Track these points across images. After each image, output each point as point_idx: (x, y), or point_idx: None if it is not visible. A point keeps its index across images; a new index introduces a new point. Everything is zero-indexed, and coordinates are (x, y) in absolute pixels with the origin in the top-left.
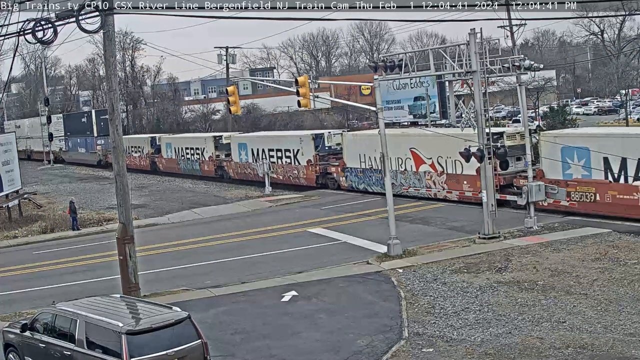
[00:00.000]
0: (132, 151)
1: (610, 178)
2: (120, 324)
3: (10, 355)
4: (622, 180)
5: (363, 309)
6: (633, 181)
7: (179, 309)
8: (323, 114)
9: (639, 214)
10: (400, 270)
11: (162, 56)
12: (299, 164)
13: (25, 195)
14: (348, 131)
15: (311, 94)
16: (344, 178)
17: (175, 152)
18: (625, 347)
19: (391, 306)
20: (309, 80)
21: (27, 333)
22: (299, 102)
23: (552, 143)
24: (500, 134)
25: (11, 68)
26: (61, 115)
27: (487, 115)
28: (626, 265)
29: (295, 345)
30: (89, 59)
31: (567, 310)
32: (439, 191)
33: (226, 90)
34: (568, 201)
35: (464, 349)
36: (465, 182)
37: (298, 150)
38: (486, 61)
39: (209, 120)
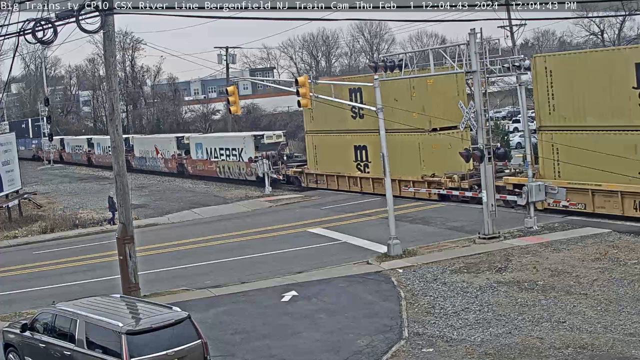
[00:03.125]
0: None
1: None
2: (120, 324)
3: (10, 355)
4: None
5: (363, 309)
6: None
7: (179, 309)
8: None
9: None
10: (400, 270)
11: (162, 56)
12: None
13: (25, 195)
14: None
15: (312, 93)
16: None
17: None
18: (625, 347)
19: (391, 306)
20: (309, 81)
21: (27, 333)
22: (299, 102)
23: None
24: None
25: (11, 68)
26: (7, 122)
27: (487, 115)
28: (626, 265)
29: (295, 345)
30: (89, 59)
31: (567, 310)
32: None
33: (226, 90)
34: None
35: (464, 349)
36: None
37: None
38: (486, 61)
39: (209, 120)
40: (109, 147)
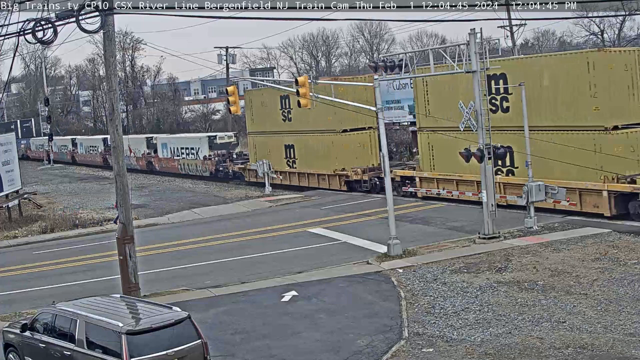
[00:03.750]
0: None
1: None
2: (120, 324)
3: (10, 355)
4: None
5: (363, 309)
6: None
7: (179, 309)
8: None
9: None
10: (400, 270)
11: (162, 56)
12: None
13: (25, 195)
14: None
15: (312, 93)
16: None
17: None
18: (625, 347)
19: (391, 306)
20: (309, 81)
21: (27, 333)
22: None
23: None
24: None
25: (11, 68)
26: None
27: (487, 115)
28: (626, 265)
29: (295, 345)
30: (89, 59)
31: (567, 310)
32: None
33: (226, 90)
34: None
35: (464, 349)
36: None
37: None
38: (486, 61)
39: (209, 120)
40: (90, 146)
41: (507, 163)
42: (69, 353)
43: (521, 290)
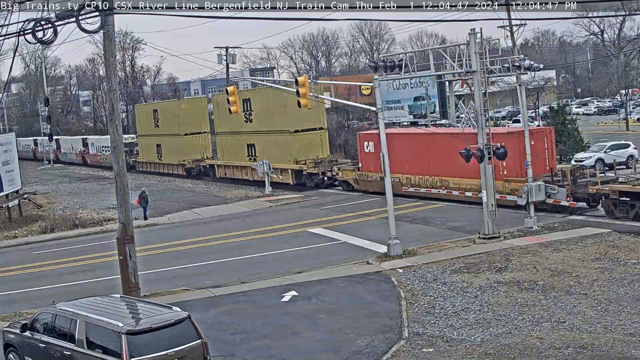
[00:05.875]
0: (104, 150)
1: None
2: (120, 324)
3: (10, 355)
4: None
5: (363, 309)
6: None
7: (179, 309)
8: None
9: None
10: (400, 270)
11: (162, 56)
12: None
13: (25, 195)
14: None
15: (312, 93)
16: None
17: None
18: (625, 347)
19: (391, 306)
20: (309, 81)
21: (27, 333)
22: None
23: None
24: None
25: (11, 68)
26: None
27: (487, 115)
28: (626, 265)
29: (295, 345)
30: (89, 59)
31: (567, 310)
32: None
33: (226, 90)
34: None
35: (464, 349)
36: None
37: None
38: (486, 61)
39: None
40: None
41: (253, 153)
42: (69, 353)
43: (521, 290)
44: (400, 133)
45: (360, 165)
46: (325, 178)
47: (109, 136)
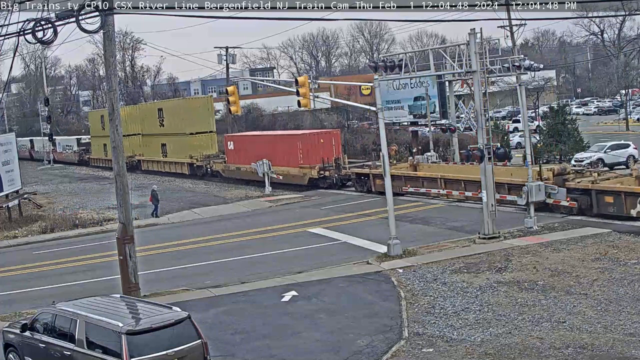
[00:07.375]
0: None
1: None
2: (120, 324)
3: (10, 355)
4: None
5: (363, 309)
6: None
7: (179, 309)
8: (323, 114)
9: None
10: (400, 270)
11: (162, 56)
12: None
13: (25, 195)
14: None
15: (311, 93)
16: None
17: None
18: (625, 347)
19: (391, 306)
20: (309, 81)
21: (27, 333)
22: (299, 102)
23: None
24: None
25: (11, 68)
26: None
27: (487, 115)
28: (626, 265)
29: (295, 345)
30: (89, 59)
31: (567, 310)
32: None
33: (226, 90)
34: None
35: (464, 349)
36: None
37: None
38: (486, 61)
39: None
40: (42, 145)
41: (166, 151)
42: (69, 353)
43: (521, 290)
44: (247, 135)
45: (226, 159)
46: (209, 169)
47: (73, 136)
